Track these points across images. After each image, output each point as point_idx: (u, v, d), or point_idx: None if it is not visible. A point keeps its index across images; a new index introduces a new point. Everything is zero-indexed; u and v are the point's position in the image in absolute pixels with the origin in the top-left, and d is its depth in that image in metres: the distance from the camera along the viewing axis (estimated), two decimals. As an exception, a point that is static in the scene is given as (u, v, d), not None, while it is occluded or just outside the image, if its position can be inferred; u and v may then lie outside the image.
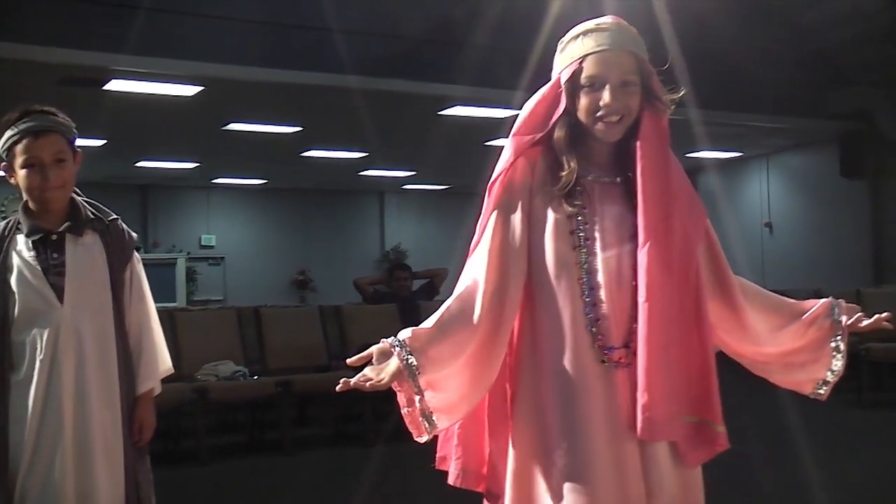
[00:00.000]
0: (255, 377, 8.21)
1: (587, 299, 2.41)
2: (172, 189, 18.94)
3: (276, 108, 12.00)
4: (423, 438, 2.39)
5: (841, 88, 13.25)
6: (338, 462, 7.61)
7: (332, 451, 8.12)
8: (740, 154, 16.92)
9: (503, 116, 11.28)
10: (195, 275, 18.55)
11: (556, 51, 2.55)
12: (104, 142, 13.21)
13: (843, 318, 2.61)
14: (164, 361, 3.67)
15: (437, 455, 2.63)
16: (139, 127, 12.69)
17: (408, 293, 9.78)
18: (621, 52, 2.45)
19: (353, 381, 2.30)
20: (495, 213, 2.52)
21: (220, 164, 16.72)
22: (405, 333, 2.36)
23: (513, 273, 2.46)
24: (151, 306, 3.61)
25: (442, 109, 11.70)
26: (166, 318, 8.46)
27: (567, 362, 2.41)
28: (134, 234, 3.57)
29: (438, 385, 2.36)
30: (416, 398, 2.34)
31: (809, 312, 2.63)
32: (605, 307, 2.41)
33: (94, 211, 3.48)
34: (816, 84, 13.18)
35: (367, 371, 2.32)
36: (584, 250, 2.44)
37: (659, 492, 2.38)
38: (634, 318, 2.39)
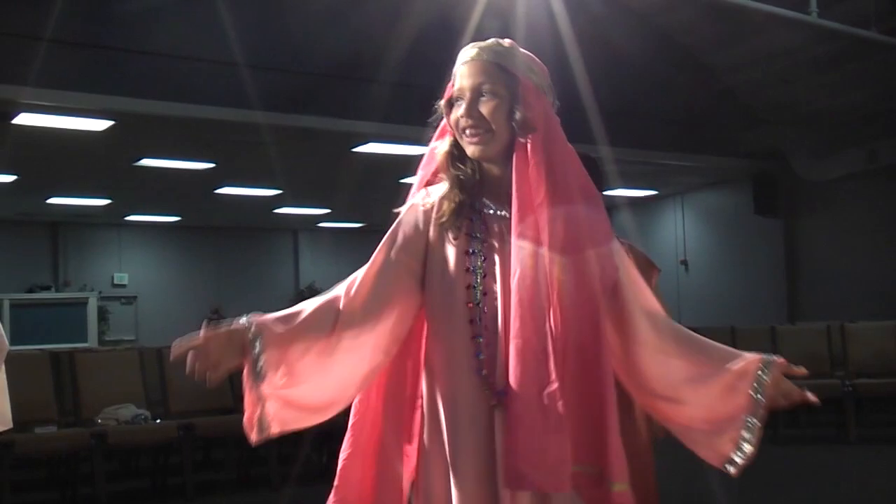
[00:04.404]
0: (157, 420, 8.01)
1: (479, 340, 2.29)
2: (84, 226, 18.58)
3: (188, 144, 11.81)
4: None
5: (753, 127, 13.40)
6: (243, 506, 7.47)
7: (237, 496, 7.94)
8: (655, 192, 17.04)
9: (416, 153, 11.22)
10: (107, 314, 18.18)
11: None
12: (14, 177, 12.92)
13: (761, 399, 2.33)
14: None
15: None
16: (49, 162, 12.42)
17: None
18: (483, 62, 2.35)
19: (189, 361, 2.18)
20: (390, 234, 2.41)
21: (132, 200, 16.43)
22: (263, 329, 2.25)
23: (390, 290, 2.35)
24: None
25: (355, 146, 11.60)
26: (66, 360, 8.29)
27: (458, 400, 2.30)
28: None
29: (284, 392, 2.27)
30: (258, 405, 2.25)
31: (733, 370, 2.37)
32: (497, 349, 2.27)
33: None
34: (729, 123, 13.32)
35: (207, 357, 2.20)
36: (479, 289, 2.31)
37: None
38: None
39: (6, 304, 15.58)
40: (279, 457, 7.92)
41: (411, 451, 2.42)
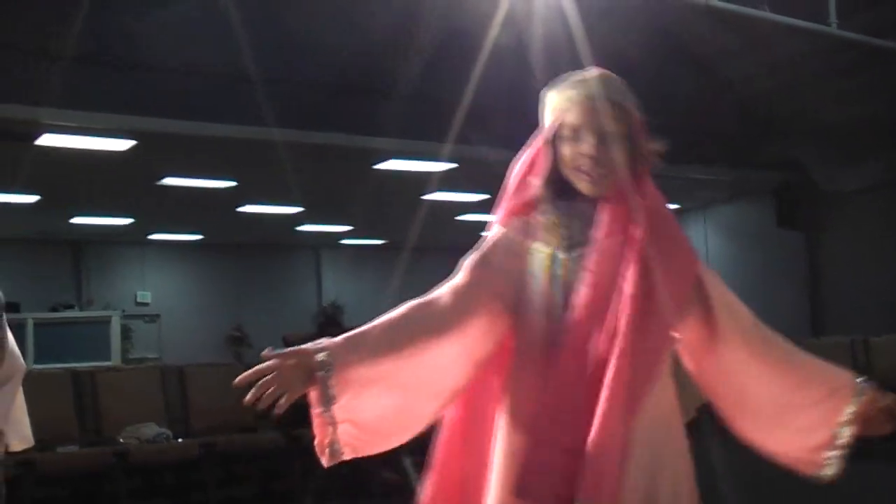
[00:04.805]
0: (179, 439, 8.03)
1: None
2: (107, 245, 18.64)
3: (210, 163, 11.85)
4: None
5: (775, 139, 13.34)
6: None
7: (260, 511, 7.97)
8: (678, 206, 16.98)
9: (438, 170, 11.22)
10: (130, 332, 18.20)
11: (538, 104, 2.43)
12: (37, 198, 12.98)
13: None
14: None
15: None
16: (72, 182, 12.46)
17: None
18: (604, 101, 2.33)
19: (256, 389, 2.10)
20: (480, 256, 2.40)
21: (155, 219, 16.49)
22: (333, 351, 2.17)
23: (473, 310, 2.31)
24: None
25: (376, 163, 11.62)
26: (87, 379, 8.32)
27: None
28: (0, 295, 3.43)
29: (356, 415, 2.20)
30: (329, 428, 2.18)
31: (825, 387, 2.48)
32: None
33: None
34: (749, 135, 13.26)
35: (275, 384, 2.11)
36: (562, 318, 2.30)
37: None
38: None
39: (30, 324, 15.61)
40: (302, 471, 7.91)
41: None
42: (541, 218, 2.40)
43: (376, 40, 9.34)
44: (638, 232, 2.30)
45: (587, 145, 2.32)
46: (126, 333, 17.86)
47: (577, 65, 7.58)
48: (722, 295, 2.44)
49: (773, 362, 2.46)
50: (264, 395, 2.10)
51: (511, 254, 2.38)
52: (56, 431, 7.48)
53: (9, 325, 3.45)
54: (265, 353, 2.16)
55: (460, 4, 7.91)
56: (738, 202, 16.28)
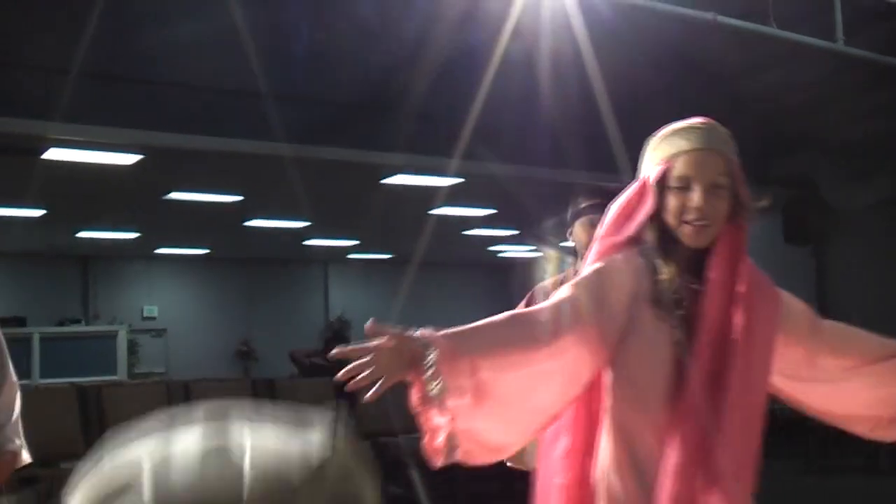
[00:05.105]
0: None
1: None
2: (113, 260, 18.67)
3: (217, 177, 11.85)
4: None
5: (784, 155, 13.33)
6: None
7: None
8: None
9: (445, 185, 11.21)
10: (137, 347, 18.22)
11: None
12: (43, 212, 12.99)
13: None
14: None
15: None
16: (79, 197, 12.49)
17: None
18: (713, 152, 2.35)
19: (353, 371, 2.02)
20: (589, 279, 2.37)
21: (162, 233, 16.50)
22: (436, 343, 2.06)
23: (574, 325, 2.27)
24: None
25: (383, 178, 11.61)
26: (93, 393, 8.30)
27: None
28: None
29: (463, 418, 2.12)
30: (437, 427, 2.11)
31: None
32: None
33: None
34: (759, 151, 13.25)
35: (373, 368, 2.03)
36: (685, 364, 2.30)
37: None
38: None
39: (36, 338, 15.63)
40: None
41: None
42: (641, 258, 2.40)
43: (384, 57, 9.36)
44: (743, 285, 2.36)
45: (696, 197, 2.32)
46: (132, 348, 17.87)
47: (586, 82, 7.57)
48: (801, 313, 2.58)
49: (857, 354, 2.58)
50: (359, 377, 2.03)
51: (620, 287, 2.36)
52: (61, 447, 7.45)
53: (15, 340, 3.44)
54: (369, 325, 2.07)
55: (469, 22, 7.92)
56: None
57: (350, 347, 2.06)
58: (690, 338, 2.31)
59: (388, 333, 2.05)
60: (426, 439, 2.15)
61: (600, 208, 3.70)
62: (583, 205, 3.89)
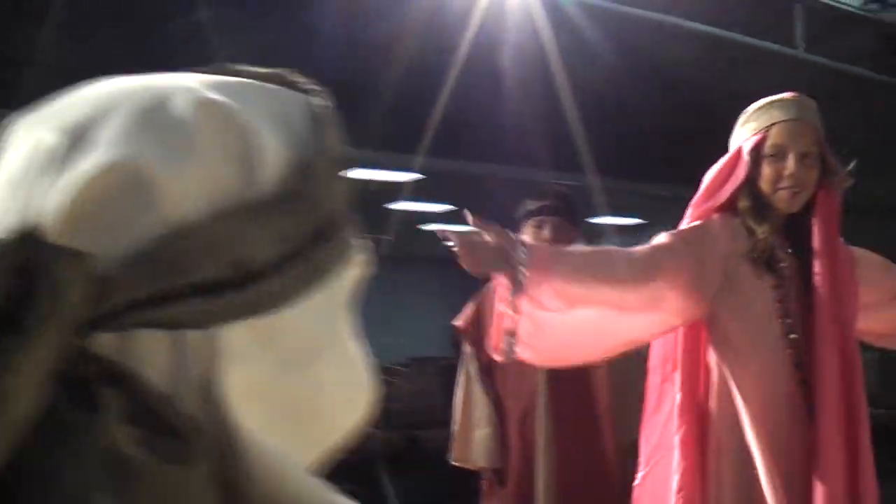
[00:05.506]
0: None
1: (798, 375, 2.40)
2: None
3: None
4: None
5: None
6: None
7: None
8: (644, 222, 16.97)
9: (404, 179, 11.19)
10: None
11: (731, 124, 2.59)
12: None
13: None
14: None
15: None
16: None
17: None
18: (806, 123, 2.47)
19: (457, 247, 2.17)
20: (683, 233, 2.49)
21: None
22: (532, 247, 2.26)
23: (665, 269, 2.39)
24: None
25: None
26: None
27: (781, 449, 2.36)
28: None
29: (540, 313, 2.23)
30: (510, 318, 2.22)
31: None
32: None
33: None
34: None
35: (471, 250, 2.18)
36: (790, 321, 2.41)
37: None
38: None
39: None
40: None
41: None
42: (736, 220, 2.51)
43: (347, 54, 9.33)
44: (844, 251, 2.53)
45: (791, 164, 2.44)
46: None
47: (551, 83, 7.54)
48: (871, 263, 2.71)
49: None
50: (459, 258, 2.15)
51: (710, 240, 2.49)
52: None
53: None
54: (473, 219, 2.22)
55: (433, 22, 7.92)
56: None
57: (458, 232, 2.23)
58: (789, 296, 2.44)
59: (492, 229, 2.20)
60: (492, 332, 2.28)
61: (550, 210, 3.69)
62: (530, 207, 3.85)
